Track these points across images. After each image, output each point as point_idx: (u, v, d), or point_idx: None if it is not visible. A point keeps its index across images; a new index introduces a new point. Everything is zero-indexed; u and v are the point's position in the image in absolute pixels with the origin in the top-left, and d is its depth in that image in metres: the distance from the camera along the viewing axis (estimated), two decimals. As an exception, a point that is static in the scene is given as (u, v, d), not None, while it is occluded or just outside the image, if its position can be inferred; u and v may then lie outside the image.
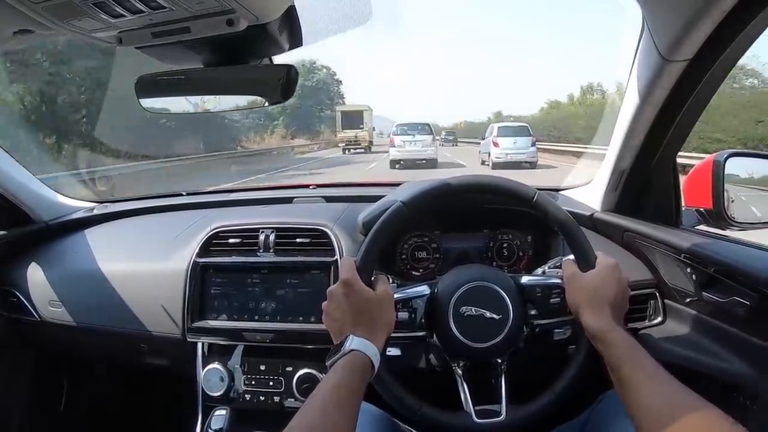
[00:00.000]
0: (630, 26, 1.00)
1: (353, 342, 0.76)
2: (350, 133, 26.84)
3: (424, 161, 15.92)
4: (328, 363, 0.76)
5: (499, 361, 0.92)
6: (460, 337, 0.89)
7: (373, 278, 0.87)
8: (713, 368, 0.93)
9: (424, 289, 0.95)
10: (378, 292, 0.84)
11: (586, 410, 0.99)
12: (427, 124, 17.19)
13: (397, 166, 15.80)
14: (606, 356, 0.76)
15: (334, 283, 0.86)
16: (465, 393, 0.91)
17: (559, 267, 1.01)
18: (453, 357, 0.94)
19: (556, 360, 0.93)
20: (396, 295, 0.90)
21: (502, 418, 0.87)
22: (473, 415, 0.88)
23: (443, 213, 1.27)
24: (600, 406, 0.96)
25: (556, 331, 1.03)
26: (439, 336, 0.93)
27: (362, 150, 26.68)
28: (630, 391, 0.69)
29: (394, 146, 16.23)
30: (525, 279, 0.95)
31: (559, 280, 0.92)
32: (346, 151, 26.92)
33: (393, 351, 1.01)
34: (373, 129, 32.60)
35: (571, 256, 0.93)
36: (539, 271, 1.07)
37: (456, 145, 36.97)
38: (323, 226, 1.25)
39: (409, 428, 1.00)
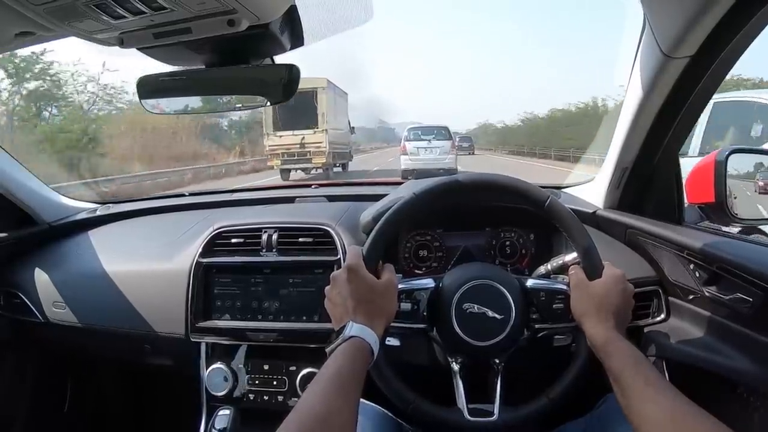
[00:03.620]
0: (631, 23, 1.00)
1: (353, 328, 0.76)
2: (290, 138, 14.35)
3: (441, 171, 11.51)
4: (328, 350, 0.77)
5: (497, 361, 0.93)
6: (461, 333, 0.89)
7: (378, 268, 0.88)
8: (717, 365, 0.93)
9: (428, 281, 0.95)
10: (382, 280, 0.84)
11: (588, 412, 0.99)
12: (445, 128, 14.59)
13: (409, 177, 11.64)
14: (608, 366, 0.76)
15: None
16: (459, 389, 0.91)
17: (562, 266, 1.01)
18: (452, 352, 0.94)
19: (555, 365, 0.93)
20: (400, 286, 0.90)
21: (494, 418, 0.88)
22: (465, 413, 0.88)
23: (445, 211, 1.27)
24: (602, 409, 0.96)
25: (557, 337, 1.03)
26: (439, 330, 0.93)
27: (318, 170, 14.91)
28: (632, 401, 0.69)
29: (406, 154, 13.57)
30: (530, 282, 0.95)
31: (564, 286, 0.92)
32: (287, 173, 14.95)
33: (392, 341, 1.01)
34: (351, 128, 19.06)
35: (574, 254, 0.93)
36: (542, 269, 1.07)
37: (473, 154, 32.80)
38: (326, 226, 1.25)
39: (409, 427, 1.01)
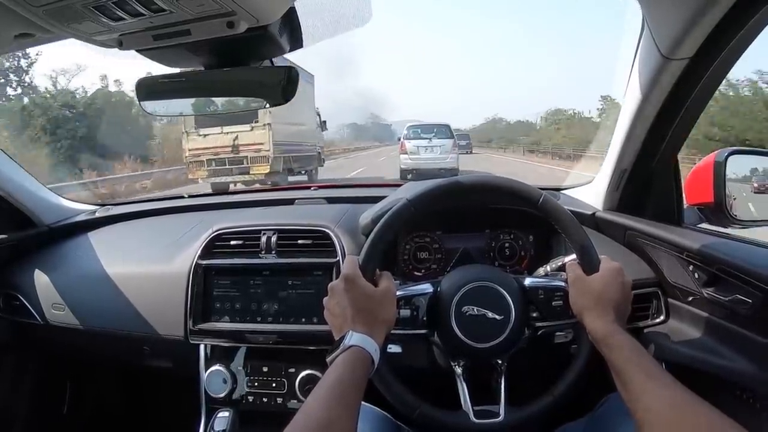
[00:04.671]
0: (630, 25, 1.00)
1: (353, 338, 0.76)
2: (218, 138, 10.45)
3: (442, 171, 11.84)
4: (328, 359, 0.76)
5: (500, 361, 0.93)
6: (462, 337, 0.89)
7: (375, 276, 0.87)
8: (716, 366, 0.93)
9: (427, 287, 0.95)
10: (380, 288, 0.84)
11: (590, 410, 0.99)
12: (446, 126, 13.99)
13: (409, 176, 12.25)
14: (610, 359, 0.76)
15: None
16: (464, 392, 0.91)
17: (561, 267, 1.01)
18: (454, 356, 0.94)
19: (557, 362, 0.93)
20: (398, 293, 0.90)
21: (500, 419, 0.88)
22: (471, 415, 0.88)
23: (445, 213, 1.27)
24: (603, 408, 0.97)
25: (558, 334, 1.04)
26: (440, 334, 0.93)
27: (265, 182, 10.34)
28: (633, 394, 0.69)
29: (406, 153, 13.09)
30: (528, 281, 0.95)
31: (562, 283, 0.92)
32: (224, 184, 10.35)
33: (394, 348, 1.01)
34: (321, 122, 14.67)
35: (573, 256, 0.93)
36: (541, 270, 1.07)
37: (470, 152, 30.57)
38: (325, 228, 1.25)
39: (409, 429, 1.01)
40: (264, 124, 10.25)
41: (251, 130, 10.35)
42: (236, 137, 10.41)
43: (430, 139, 13.36)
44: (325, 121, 15.33)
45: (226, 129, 10.37)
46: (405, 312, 0.92)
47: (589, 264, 0.88)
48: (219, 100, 0.93)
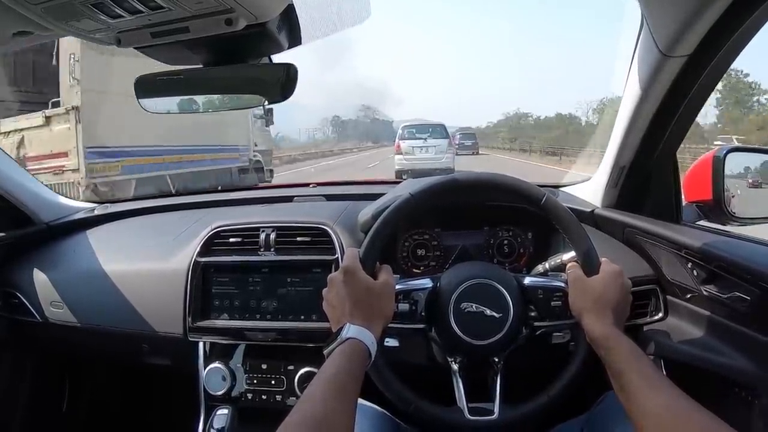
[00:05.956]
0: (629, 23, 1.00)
1: (350, 330, 0.76)
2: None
3: (437, 171, 9.82)
4: (325, 351, 0.77)
5: (496, 359, 0.93)
6: (459, 333, 0.89)
7: (375, 269, 0.88)
8: (714, 364, 0.93)
9: (426, 282, 0.95)
10: (379, 281, 0.84)
11: (588, 409, 0.99)
12: (441, 125, 13.91)
13: (404, 176, 10.70)
14: (607, 362, 0.77)
15: None
16: (459, 389, 0.91)
17: (560, 264, 1.01)
18: (451, 352, 0.94)
19: (554, 362, 0.93)
20: (398, 287, 0.90)
21: (494, 416, 0.88)
22: (466, 412, 0.88)
23: (443, 210, 1.27)
24: (601, 406, 0.97)
25: (555, 334, 1.04)
26: (438, 330, 0.93)
27: None
28: (631, 397, 0.70)
29: (401, 153, 13.00)
30: (527, 280, 0.95)
31: (561, 284, 0.92)
32: None
33: (391, 342, 1.02)
34: (267, 113, 10.28)
35: (572, 253, 0.93)
36: (540, 268, 1.07)
37: (477, 153, 27.68)
38: (324, 225, 1.25)
39: (407, 426, 1.01)
40: (67, 110, 5.44)
41: (45, 123, 5.70)
42: (21, 141, 5.82)
43: (425, 139, 13.18)
44: (270, 110, 10.26)
45: (6, 125, 5.79)
46: (403, 306, 0.92)
47: (590, 265, 0.88)
48: (211, 98, 0.93)
